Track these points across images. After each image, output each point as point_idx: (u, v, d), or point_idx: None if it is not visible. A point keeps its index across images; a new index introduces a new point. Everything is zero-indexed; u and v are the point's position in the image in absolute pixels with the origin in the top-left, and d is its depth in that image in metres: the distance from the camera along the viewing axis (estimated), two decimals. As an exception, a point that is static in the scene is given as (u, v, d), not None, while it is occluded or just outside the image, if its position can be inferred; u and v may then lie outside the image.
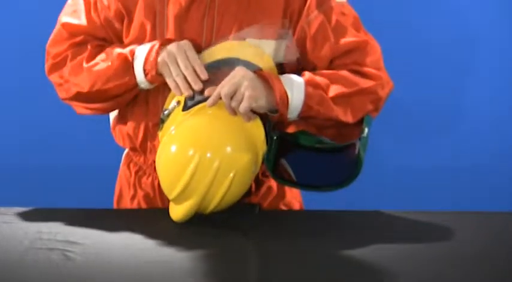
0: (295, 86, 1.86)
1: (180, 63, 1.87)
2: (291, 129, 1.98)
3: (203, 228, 1.84)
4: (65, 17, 2.02)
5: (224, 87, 1.82)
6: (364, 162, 1.84)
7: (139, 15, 1.96)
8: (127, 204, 2.11)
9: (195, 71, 1.86)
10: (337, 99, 1.89)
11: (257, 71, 1.87)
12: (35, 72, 3.05)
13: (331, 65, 1.95)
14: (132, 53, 1.92)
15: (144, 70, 1.91)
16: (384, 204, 2.28)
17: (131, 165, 2.11)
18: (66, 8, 2.04)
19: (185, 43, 1.89)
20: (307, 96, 1.86)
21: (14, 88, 3.11)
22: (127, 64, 1.92)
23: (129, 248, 1.71)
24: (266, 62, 1.91)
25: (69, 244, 1.72)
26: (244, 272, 1.58)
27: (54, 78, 2.02)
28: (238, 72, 1.84)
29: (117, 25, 1.99)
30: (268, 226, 1.87)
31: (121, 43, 2.00)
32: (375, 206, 2.05)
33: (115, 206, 2.15)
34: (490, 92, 3.21)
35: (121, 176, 2.15)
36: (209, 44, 1.93)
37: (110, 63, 1.93)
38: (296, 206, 2.11)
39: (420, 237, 1.81)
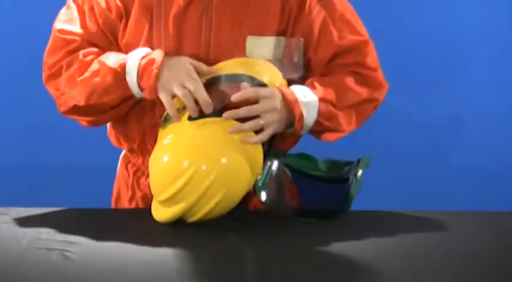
0: (310, 106, 1.89)
1: (188, 86, 1.82)
2: (289, 142, 2.01)
3: (202, 229, 1.83)
4: (59, 24, 1.99)
5: (258, 107, 1.82)
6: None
7: (135, 15, 1.94)
8: (125, 205, 2.11)
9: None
10: (344, 111, 1.94)
11: (282, 92, 1.87)
12: (34, 72, 3.06)
13: (332, 62, 1.97)
14: (123, 67, 1.88)
15: (139, 85, 1.88)
16: (384, 204, 2.28)
17: (129, 166, 2.10)
18: (61, 17, 2.01)
19: (186, 62, 1.86)
20: (320, 114, 1.90)
21: (13, 88, 3.10)
22: (119, 78, 1.88)
23: (127, 248, 1.71)
24: (276, 81, 1.90)
25: (68, 244, 1.71)
26: (244, 272, 1.58)
27: (51, 89, 1.99)
28: (277, 101, 1.84)
29: (118, 26, 1.96)
30: (267, 226, 1.86)
31: (118, 46, 1.97)
32: (375, 206, 2.05)
33: (113, 207, 2.14)
34: (490, 91, 3.20)
35: (119, 177, 2.14)
36: (208, 43, 1.92)
37: (101, 78, 1.89)
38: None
39: (420, 237, 1.80)
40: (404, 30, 3.16)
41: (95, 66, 1.91)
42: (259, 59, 1.91)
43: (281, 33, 1.94)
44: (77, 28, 1.97)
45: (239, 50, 1.92)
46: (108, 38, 1.97)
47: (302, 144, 2.05)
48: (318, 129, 1.94)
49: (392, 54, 3.06)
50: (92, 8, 1.97)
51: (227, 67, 1.89)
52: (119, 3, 1.95)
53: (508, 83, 3.22)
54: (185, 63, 1.87)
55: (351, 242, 1.75)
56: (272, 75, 1.90)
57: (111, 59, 1.91)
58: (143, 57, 1.88)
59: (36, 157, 3.14)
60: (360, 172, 1.86)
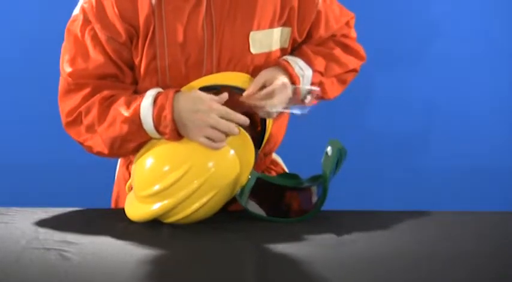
0: (305, 78, 1.99)
1: (215, 136, 1.81)
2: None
3: (201, 229, 1.83)
4: (66, 66, 1.91)
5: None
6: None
7: (141, 32, 1.90)
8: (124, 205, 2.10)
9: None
10: (330, 79, 2.05)
11: (285, 67, 1.95)
12: (34, 71, 3.06)
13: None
14: (137, 114, 1.83)
15: (159, 132, 1.84)
16: (384, 204, 2.28)
17: (130, 166, 2.09)
18: (63, 56, 1.93)
19: (199, 103, 1.83)
20: (312, 84, 2.00)
21: (13, 87, 3.10)
22: (136, 127, 1.84)
23: (125, 248, 1.71)
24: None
25: (66, 244, 1.72)
26: (243, 273, 1.58)
27: (72, 135, 1.94)
28: (288, 90, 1.92)
29: (129, 48, 1.90)
30: (267, 226, 1.86)
31: (131, 71, 1.93)
32: (375, 206, 2.05)
33: (113, 207, 2.14)
34: (491, 91, 3.20)
35: (119, 177, 2.14)
36: (211, 44, 1.91)
37: (119, 129, 1.86)
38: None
39: (420, 237, 1.81)
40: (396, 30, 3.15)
41: (111, 115, 1.87)
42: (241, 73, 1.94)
43: (284, 23, 1.97)
44: (84, 66, 1.89)
45: (242, 47, 1.92)
46: (117, 64, 1.90)
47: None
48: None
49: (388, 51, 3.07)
50: (95, 36, 1.89)
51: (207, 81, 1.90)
52: (127, 25, 1.88)
53: (508, 83, 3.21)
54: (198, 104, 1.83)
55: (350, 242, 1.76)
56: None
57: (125, 105, 1.86)
58: (155, 103, 1.83)
59: (36, 157, 3.14)
60: (329, 149, 1.90)
